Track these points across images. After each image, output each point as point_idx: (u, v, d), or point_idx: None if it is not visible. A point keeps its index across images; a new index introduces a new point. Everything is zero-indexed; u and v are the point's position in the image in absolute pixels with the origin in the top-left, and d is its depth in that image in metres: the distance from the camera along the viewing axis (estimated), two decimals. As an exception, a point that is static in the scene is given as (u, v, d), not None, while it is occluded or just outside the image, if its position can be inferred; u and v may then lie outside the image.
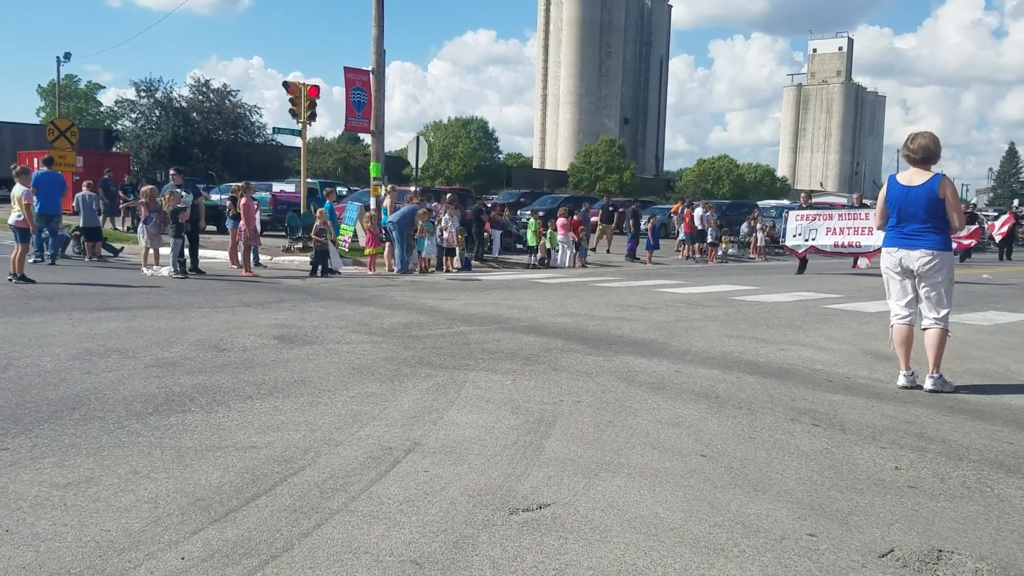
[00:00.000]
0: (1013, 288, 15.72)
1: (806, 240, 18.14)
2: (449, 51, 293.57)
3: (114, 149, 41.14)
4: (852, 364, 7.02)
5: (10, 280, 11.55)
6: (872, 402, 5.60)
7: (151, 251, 14.23)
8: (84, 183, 18.99)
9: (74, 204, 18.29)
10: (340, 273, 15.76)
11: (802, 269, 18.29)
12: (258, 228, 15.72)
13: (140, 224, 14.39)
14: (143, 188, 15.44)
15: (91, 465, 3.82)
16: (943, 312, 5.96)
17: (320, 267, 15.13)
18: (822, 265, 20.07)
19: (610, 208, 26.59)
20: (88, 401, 5.01)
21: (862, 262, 18.85)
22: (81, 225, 17.30)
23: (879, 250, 16.02)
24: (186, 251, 14.08)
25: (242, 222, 14.88)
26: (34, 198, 13.04)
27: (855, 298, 12.57)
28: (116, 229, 24.03)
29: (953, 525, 3.39)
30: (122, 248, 18.46)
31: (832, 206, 18.96)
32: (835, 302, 11.99)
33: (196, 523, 3.16)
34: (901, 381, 6.10)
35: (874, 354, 7.52)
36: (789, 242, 18.58)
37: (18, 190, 12.55)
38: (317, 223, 15.50)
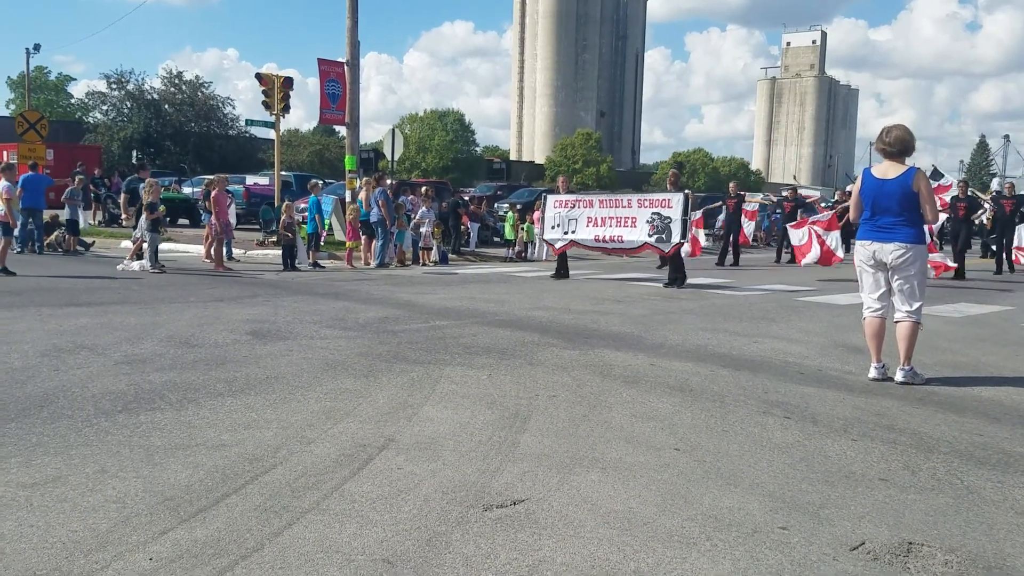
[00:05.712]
0: (982, 281, 15.91)
1: (565, 233, 14.60)
2: (426, 42, 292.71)
3: (83, 142, 40.56)
4: (824, 356, 7.07)
5: None
6: (843, 394, 5.64)
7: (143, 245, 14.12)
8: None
9: (63, 197, 18.24)
10: (324, 267, 15.77)
11: (561, 272, 14.45)
12: (231, 222, 15.61)
13: (142, 219, 14.11)
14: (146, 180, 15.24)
15: (58, 464, 3.76)
16: (916, 305, 6.01)
17: (289, 261, 15.07)
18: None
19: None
20: (56, 399, 4.93)
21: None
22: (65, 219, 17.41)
23: (643, 247, 14.19)
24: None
25: (212, 216, 14.77)
26: (16, 193, 13.34)
27: (826, 291, 12.67)
28: (88, 223, 23.69)
29: (923, 517, 3.41)
30: (93, 243, 18.24)
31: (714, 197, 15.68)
32: (807, 295, 12.09)
33: (165, 523, 3.12)
34: (872, 373, 6.15)
35: (845, 346, 7.58)
36: (547, 235, 15.09)
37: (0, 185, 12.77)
38: (284, 217, 15.45)
